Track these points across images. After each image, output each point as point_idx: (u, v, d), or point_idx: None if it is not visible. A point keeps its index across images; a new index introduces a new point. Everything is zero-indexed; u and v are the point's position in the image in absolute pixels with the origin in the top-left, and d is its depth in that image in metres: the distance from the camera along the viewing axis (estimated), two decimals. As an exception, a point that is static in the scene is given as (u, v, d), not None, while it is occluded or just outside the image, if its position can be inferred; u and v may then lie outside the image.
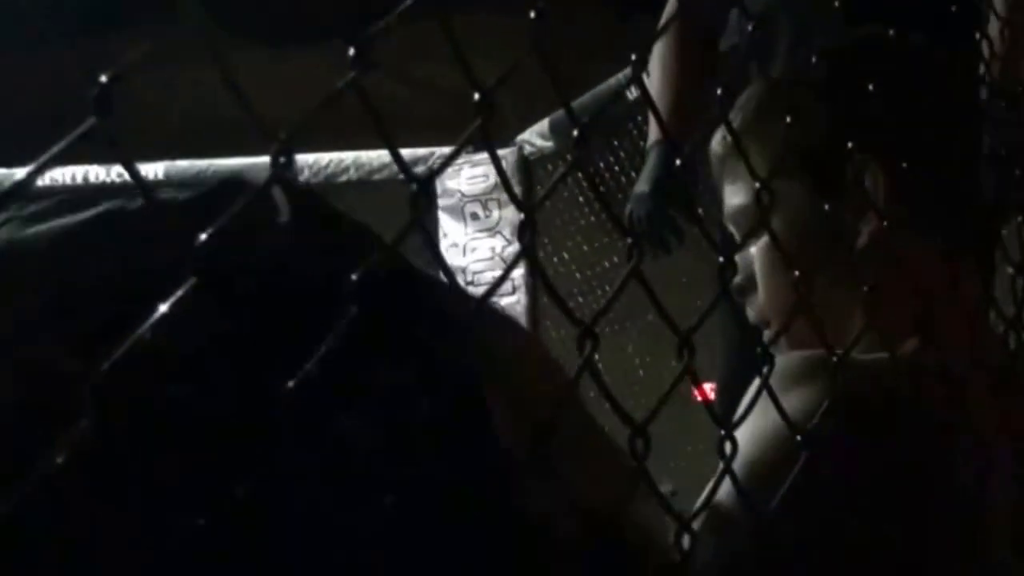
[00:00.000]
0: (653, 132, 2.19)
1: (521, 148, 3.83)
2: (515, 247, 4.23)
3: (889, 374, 0.94)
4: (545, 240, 3.80)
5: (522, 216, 0.77)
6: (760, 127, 1.03)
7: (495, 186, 3.77)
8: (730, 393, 1.89)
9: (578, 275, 3.68)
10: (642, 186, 2.10)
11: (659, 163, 2.09)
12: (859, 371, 0.91)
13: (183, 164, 4.21)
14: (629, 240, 0.80)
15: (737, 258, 1.09)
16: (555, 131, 3.70)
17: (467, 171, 3.79)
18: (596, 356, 0.78)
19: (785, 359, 0.92)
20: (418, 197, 0.68)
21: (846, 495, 0.87)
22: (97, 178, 4.25)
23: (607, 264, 3.72)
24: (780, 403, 0.84)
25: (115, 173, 4.25)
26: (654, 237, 2.11)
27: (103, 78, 0.49)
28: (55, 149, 0.50)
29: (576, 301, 3.80)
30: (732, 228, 1.12)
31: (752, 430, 0.84)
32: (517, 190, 3.82)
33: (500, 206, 3.81)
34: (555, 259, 3.81)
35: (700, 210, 2.04)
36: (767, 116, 1.03)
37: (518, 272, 3.66)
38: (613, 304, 0.79)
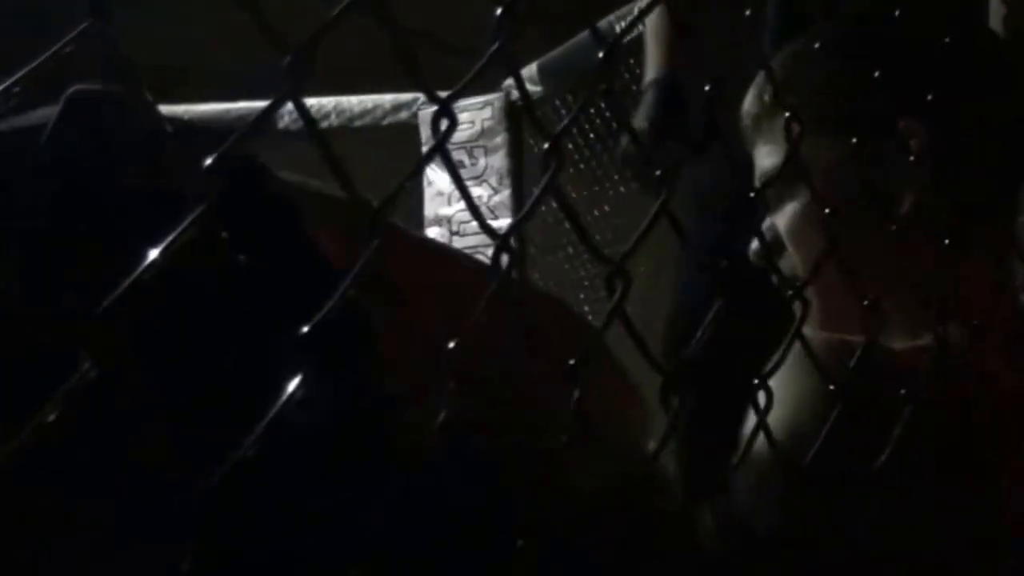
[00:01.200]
0: (650, 70, 2.15)
1: (508, 93, 3.76)
2: (501, 196, 4.18)
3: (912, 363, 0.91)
4: (533, 189, 3.73)
5: (546, 145, 0.71)
6: (797, 85, 0.99)
7: (481, 133, 3.71)
8: (685, 319, 1.82)
9: (566, 224, 3.62)
10: (639, 123, 2.07)
11: (657, 100, 2.06)
12: (882, 361, 0.88)
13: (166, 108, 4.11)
14: (658, 173, 0.75)
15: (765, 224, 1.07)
16: (544, 76, 3.64)
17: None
18: (587, 308, 0.73)
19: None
20: (438, 119, 0.62)
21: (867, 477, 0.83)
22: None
23: (596, 213, 3.66)
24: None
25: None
26: (648, 176, 2.09)
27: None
28: (44, 56, 0.45)
29: (566, 251, 3.75)
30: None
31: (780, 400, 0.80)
32: (505, 136, 3.76)
33: (486, 153, 3.75)
34: (543, 208, 3.73)
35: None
36: (804, 74, 1.00)
37: (506, 221, 3.60)
38: (640, 243, 0.75)
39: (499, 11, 0.65)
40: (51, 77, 0.44)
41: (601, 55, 0.69)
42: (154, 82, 0.50)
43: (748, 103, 1.08)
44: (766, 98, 1.04)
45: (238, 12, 0.50)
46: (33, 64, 0.42)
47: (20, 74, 0.44)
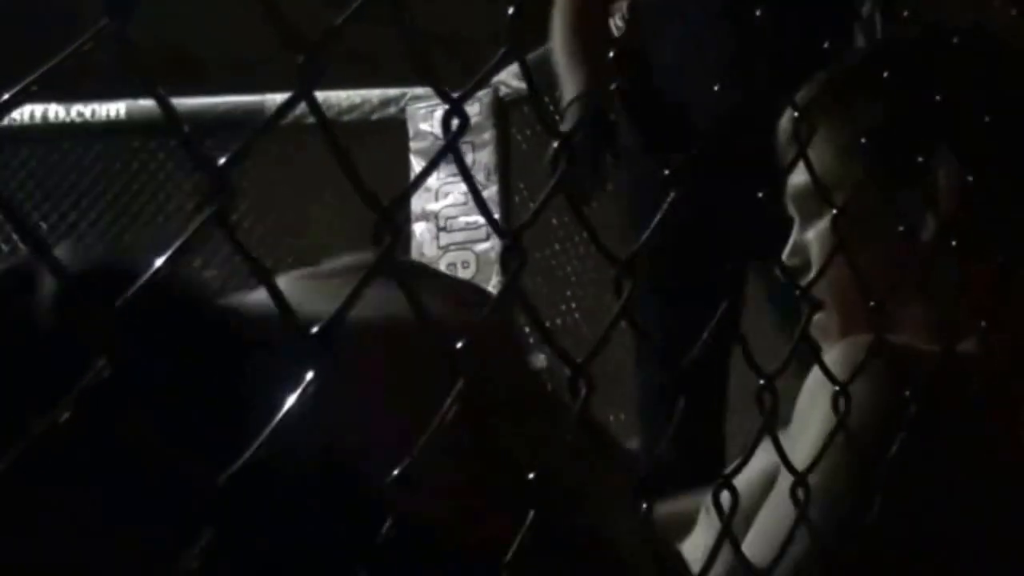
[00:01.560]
0: (569, 89, 2.14)
1: (496, 90, 3.74)
2: (489, 191, 4.16)
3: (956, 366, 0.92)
4: (520, 185, 3.73)
5: (555, 144, 0.71)
6: (829, 106, 1.00)
7: (470, 128, 3.70)
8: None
9: (554, 220, 3.61)
10: (566, 127, 2.11)
11: (587, 115, 2.08)
12: (926, 362, 0.89)
13: (146, 104, 4.08)
14: (667, 173, 0.75)
15: (792, 240, 1.08)
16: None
17: (440, 113, 3.69)
18: (574, 305, 0.73)
19: (847, 344, 0.90)
20: (449, 119, 0.62)
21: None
22: (57, 117, 4.13)
23: (584, 210, 3.65)
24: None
25: (75, 112, 4.13)
26: (575, 180, 2.12)
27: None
28: (61, 56, 0.44)
29: (553, 248, 3.74)
30: (792, 207, 1.10)
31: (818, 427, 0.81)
32: (493, 132, 3.75)
33: (474, 149, 3.74)
34: (531, 204, 3.73)
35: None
36: (837, 96, 1.01)
37: (495, 217, 3.59)
38: (647, 244, 0.74)
39: (510, 11, 0.64)
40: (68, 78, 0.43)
41: (611, 55, 0.69)
42: (168, 81, 0.49)
43: (784, 120, 1.09)
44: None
45: (227, 8, 0.50)
46: (49, 64, 0.42)
47: (36, 75, 0.43)
